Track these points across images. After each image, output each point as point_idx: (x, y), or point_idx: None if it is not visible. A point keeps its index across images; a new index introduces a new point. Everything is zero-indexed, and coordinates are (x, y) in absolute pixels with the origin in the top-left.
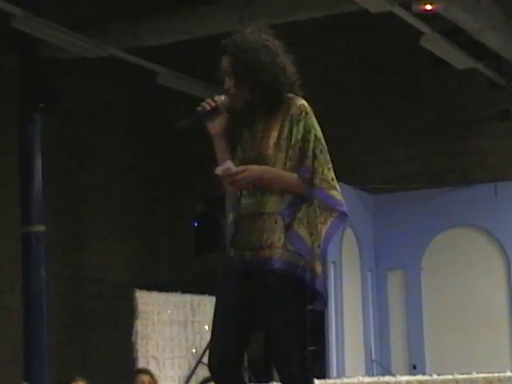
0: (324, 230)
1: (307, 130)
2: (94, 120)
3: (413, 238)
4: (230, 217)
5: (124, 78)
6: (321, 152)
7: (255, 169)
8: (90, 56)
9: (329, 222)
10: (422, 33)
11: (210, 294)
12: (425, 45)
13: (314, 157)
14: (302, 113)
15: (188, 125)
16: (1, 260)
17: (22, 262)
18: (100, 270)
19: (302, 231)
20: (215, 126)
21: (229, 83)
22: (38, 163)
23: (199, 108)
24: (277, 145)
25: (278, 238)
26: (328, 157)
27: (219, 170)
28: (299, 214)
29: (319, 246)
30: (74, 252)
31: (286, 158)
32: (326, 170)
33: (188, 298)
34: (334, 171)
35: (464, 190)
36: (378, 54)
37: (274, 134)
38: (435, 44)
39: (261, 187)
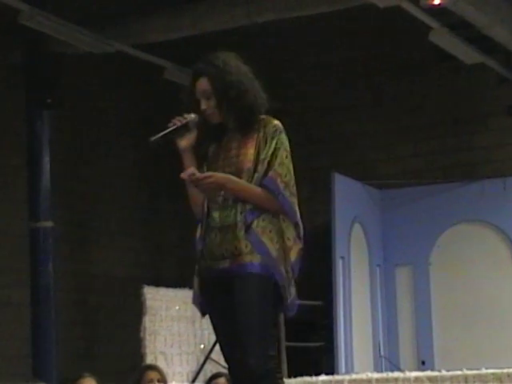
0: (293, 256)
1: (278, 147)
2: (100, 116)
3: (421, 233)
4: (199, 230)
5: (130, 73)
6: (287, 170)
7: (220, 176)
8: (96, 52)
9: (296, 249)
10: (430, 27)
11: None
12: (433, 39)
13: (279, 171)
14: (276, 131)
15: (159, 140)
16: (9, 256)
17: (30, 258)
18: (108, 266)
19: (266, 240)
20: (184, 142)
21: (205, 105)
22: (46, 159)
23: (170, 124)
24: (254, 160)
25: (244, 244)
26: (292, 175)
27: (184, 175)
28: (262, 223)
29: (289, 270)
30: (82, 248)
31: (253, 172)
32: (288, 178)
33: None
34: (344, 167)
35: (472, 185)
36: (385, 50)
37: (251, 151)
38: (443, 39)
39: (228, 200)
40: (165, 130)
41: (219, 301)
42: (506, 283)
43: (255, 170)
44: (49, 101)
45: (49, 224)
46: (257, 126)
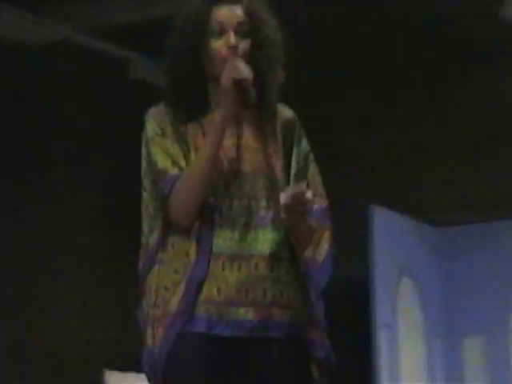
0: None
1: (308, 155)
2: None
3: (497, 289)
4: (193, 255)
5: (84, 70)
6: (322, 188)
7: None
8: (36, 40)
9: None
10: None
11: None
12: None
13: (321, 192)
14: (300, 129)
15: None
16: None
17: None
18: (57, 342)
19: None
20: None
21: (236, 40)
22: None
23: (243, 74)
24: (281, 165)
25: (293, 294)
26: None
27: (288, 198)
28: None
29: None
30: (23, 317)
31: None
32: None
33: None
34: (386, 197)
35: None
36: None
37: (270, 151)
38: None
39: (249, 219)
40: (244, 81)
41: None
42: None
43: (283, 183)
44: None
45: None
46: (272, 114)
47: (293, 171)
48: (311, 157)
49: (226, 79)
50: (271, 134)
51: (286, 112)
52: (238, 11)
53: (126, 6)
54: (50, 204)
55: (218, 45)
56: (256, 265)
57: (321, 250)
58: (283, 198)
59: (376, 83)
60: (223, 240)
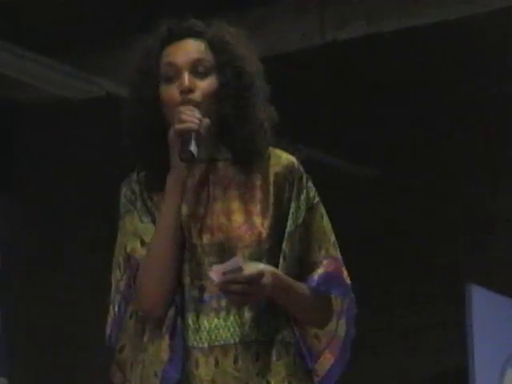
0: None
1: (315, 208)
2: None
3: None
4: (165, 353)
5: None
6: (334, 245)
7: (268, 272)
8: (75, 96)
9: None
10: None
11: None
12: None
13: (335, 255)
14: (302, 177)
15: (194, 150)
16: None
17: None
18: None
19: None
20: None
21: (191, 82)
22: None
23: (186, 123)
24: (268, 228)
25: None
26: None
27: (217, 271)
28: None
29: None
30: None
31: (277, 254)
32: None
33: None
34: (487, 274)
35: None
36: None
37: (257, 210)
38: None
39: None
40: (186, 134)
41: None
42: None
43: (271, 249)
44: None
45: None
46: (263, 162)
47: (287, 229)
48: (320, 210)
49: (171, 132)
50: (259, 188)
51: (283, 158)
52: (196, 47)
53: None
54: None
55: (171, 91)
56: (236, 356)
57: (324, 359)
58: (213, 275)
59: None
60: (196, 330)
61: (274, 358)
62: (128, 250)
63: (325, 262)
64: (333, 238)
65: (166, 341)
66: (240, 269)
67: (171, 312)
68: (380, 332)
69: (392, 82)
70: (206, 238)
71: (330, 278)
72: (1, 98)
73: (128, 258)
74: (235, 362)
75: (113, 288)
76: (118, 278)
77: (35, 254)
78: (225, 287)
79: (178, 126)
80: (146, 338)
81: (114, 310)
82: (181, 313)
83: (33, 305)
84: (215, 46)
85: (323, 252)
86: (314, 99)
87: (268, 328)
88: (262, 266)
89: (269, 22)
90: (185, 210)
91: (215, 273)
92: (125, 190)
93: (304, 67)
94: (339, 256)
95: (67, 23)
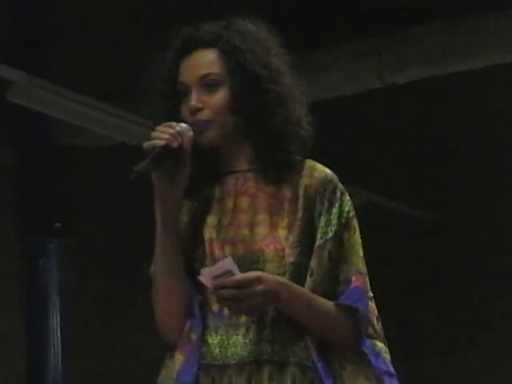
0: None
1: (348, 222)
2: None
3: None
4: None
5: None
6: (363, 261)
7: (273, 280)
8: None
9: None
10: None
11: None
12: None
13: (361, 269)
14: (335, 190)
15: (147, 168)
16: None
17: None
18: None
19: None
20: (179, 175)
21: (199, 100)
22: (54, 324)
23: (155, 139)
24: (294, 242)
25: None
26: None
27: (206, 275)
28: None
29: None
30: None
31: (304, 270)
32: (372, 302)
33: None
34: None
35: None
36: None
37: (284, 223)
38: None
39: (263, 320)
40: (150, 150)
41: None
42: None
43: (295, 264)
44: (57, 225)
45: None
46: (294, 173)
47: (316, 244)
48: (354, 225)
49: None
50: (288, 200)
51: (316, 170)
52: (205, 59)
53: None
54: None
55: (184, 111)
56: (250, 375)
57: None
58: (203, 279)
59: None
60: (214, 346)
61: (288, 380)
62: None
63: (354, 278)
64: (362, 252)
65: (178, 356)
66: (230, 272)
67: (186, 328)
68: None
69: (452, 123)
70: (227, 250)
71: (358, 293)
72: (63, 145)
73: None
74: (248, 381)
75: None
76: None
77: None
78: (215, 293)
79: (143, 144)
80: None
81: None
82: (201, 328)
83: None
84: (227, 53)
85: (354, 268)
86: (373, 142)
87: (283, 348)
88: (260, 273)
89: (329, 65)
90: (210, 220)
91: (205, 277)
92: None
93: (364, 110)
94: (365, 271)
95: (127, 72)
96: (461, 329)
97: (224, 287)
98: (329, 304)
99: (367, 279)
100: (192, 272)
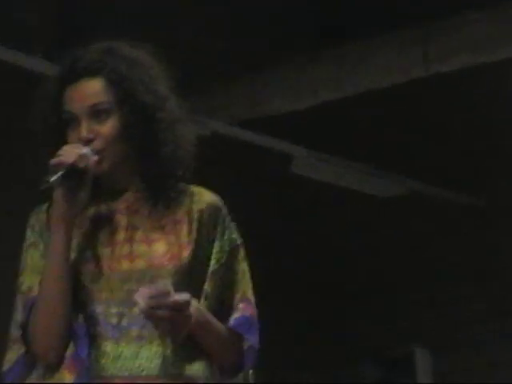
0: None
1: (236, 249)
2: None
3: None
4: None
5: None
6: (251, 288)
7: (192, 302)
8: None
9: None
10: None
11: None
12: None
13: (250, 297)
14: (225, 217)
15: (56, 183)
16: None
17: None
18: None
19: None
20: (82, 194)
21: (89, 130)
22: None
23: (62, 157)
24: (192, 262)
25: None
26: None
27: (143, 294)
28: None
29: None
30: None
31: (200, 289)
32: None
33: None
34: None
35: None
36: None
37: (180, 241)
38: None
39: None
40: (57, 167)
41: None
42: None
43: (192, 284)
44: None
45: None
46: (186, 197)
47: (211, 269)
48: (241, 252)
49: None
50: (182, 223)
51: (206, 196)
52: (92, 89)
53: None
54: None
55: (72, 139)
56: None
57: None
58: (139, 298)
59: None
60: (116, 358)
61: None
62: (24, 288)
63: (241, 305)
64: (250, 279)
65: (67, 375)
66: (168, 293)
67: (70, 349)
68: None
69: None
70: (125, 265)
71: (246, 322)
72: None
73: (25, 296)
74: None
75: (11, 329)
76: (18, 319)
77: None
78: (150, 313)
79: (51, 161)
80: (35, 374)
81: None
82: (93, 342)
83: None
84: (113, 82)
85: (240, 294)
86: (417, 132)
87: (182, 362)
88: (189, 296)
89: (373, 55)
90: (103, 237)
91: (141, 296)
92: (32, 222)
93: (408, 100)
94: (253, 299)
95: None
96: None
97: (160, 308)
98: (223, 328)
99: (255, 307)
100: (79, 288)
